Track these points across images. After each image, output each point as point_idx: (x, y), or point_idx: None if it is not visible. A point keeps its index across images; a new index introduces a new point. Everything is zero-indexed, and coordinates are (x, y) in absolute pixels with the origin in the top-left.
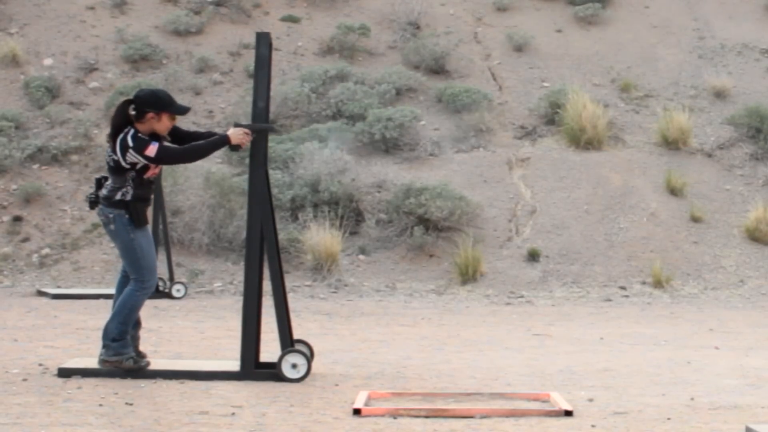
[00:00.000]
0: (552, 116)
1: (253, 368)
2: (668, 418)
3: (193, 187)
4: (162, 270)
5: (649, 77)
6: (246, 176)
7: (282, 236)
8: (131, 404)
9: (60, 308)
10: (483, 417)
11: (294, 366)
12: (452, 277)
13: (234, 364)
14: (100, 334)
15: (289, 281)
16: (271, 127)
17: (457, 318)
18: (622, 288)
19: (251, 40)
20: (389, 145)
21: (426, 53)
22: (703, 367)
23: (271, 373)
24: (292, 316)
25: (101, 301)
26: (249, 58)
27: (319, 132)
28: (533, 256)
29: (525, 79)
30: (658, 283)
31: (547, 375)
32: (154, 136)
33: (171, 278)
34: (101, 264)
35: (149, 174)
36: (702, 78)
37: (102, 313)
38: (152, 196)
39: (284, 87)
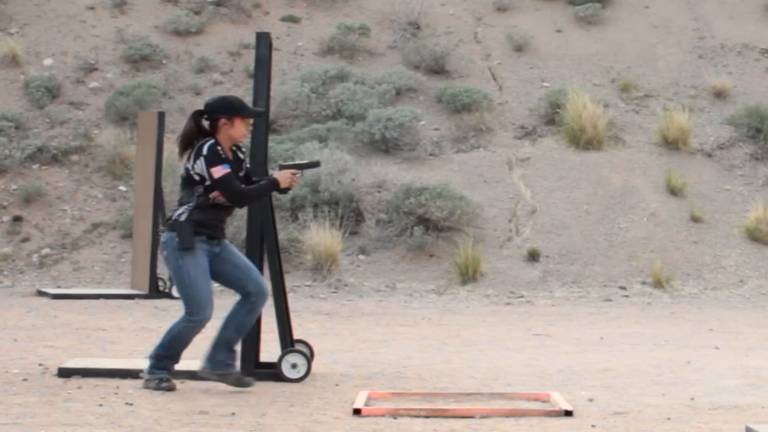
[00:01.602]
0: (552, 116)
1: (253, 368)
2: (668, 418)
3: None
4: (162, 270)
5: (649, 77)
6: None
7: (282, 236)
8: (131, 404)
9: (60, 308)
10: (483, 417)
11: (294, 366)
12: (452, 277)
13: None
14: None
15: (289, 281)
16: (318, 162)
17: (457, 318)
18: (622, 288)
19: (251, 40)
20: (389, 145)
21: (426, 53)
22: (703, 367)
23: (271, 373)
24: (292, 316)
25: (101, 301)
26: (249, 58)
27: (319, 132)
28: (533, 256)
29: (525, 79)
30: (658, 283)
31: (547, 375)
32: (229, 162)
33: (171, 278)
34: (101, 264)
35: (216, 194)
36: (702, 78)
37: (102, 313)
38: (221, 227)
39: (284, 87)
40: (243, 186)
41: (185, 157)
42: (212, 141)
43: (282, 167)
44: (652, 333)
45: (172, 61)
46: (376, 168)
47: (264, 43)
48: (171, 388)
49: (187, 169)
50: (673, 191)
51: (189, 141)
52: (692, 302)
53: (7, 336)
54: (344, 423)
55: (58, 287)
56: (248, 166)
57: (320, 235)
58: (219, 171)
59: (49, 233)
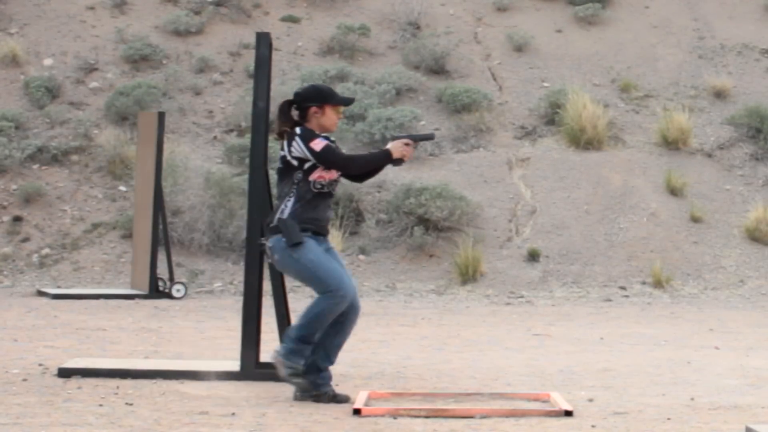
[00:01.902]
0: (552, 116)
1: (253, 368)
2: (668, 418)
3: (193, 187)
4: (162, 270)
5: (649, 77)
6: (246, 176)
7: None
8: (131, 404)
9: (60, 308)
10: (483, 417)
11: None
12: (452, 277)
13: (234, 364)
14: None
15: (289, 281)
16: (432, 135)
17: (457, 318)
18: (622, 288)
19: (251, 40)
20: None
21: (426, 53)
22: (703, 367)
23: (271, 373)
24: (292, 316)
25: (101, 301)
26: (249, 58)
27: None
28: (533, 256)
29: (525, 79)
30: (658, 283)
31: (547, 375)
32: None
33: (171, 278)
34: (101, 264)
35: (316, 176)
36: (702, 78)
37: (102, 313)
38: (325, 220)
39: (284, 87)
40: (348, 154)
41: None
42: (303, 127)
43: (395, 138)
44: (652, 333)
45: (172, 61)
46: None
47: (264, 43)
48: (300, 383)
49: (283, 157)
50: (673, 191)
51: (283, 129)
52: (692, 302)
53: (7, 336)
54: (344, 423)
55: (58, 287)
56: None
57: None
58: (318, 143)
59: (49, 233)
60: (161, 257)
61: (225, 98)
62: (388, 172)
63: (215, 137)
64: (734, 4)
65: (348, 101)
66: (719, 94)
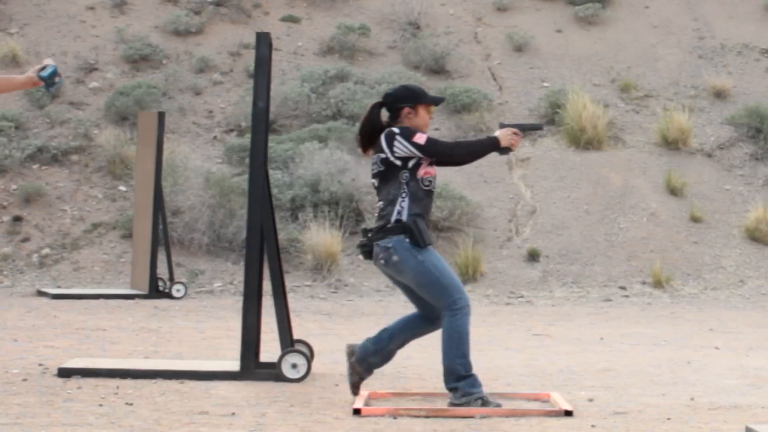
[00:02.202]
0: (552, 116)
1: (253, 368)
2: (668, 418)
3: (193, 187)
4: (162, 270)
5: (649, 77)
6: (246, 176)
7: (282, 236)
8: (131, 404)
9: (60, 308)
10: (483, 417)
11: (294, 366)
12: None
13: (234, 364)
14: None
15: (289, 281)
16: (541, 125)
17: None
18: (622, 288)
19: (251, 40)
20: None
21: (426, 53)
22: (703, 367)
23: (271, 373)
24: (292, 316)
25: (101, 301)
26: (249, 58)
27: (319, 132)
28: (533, 256)
29: (525, 79)
30: (658, 283)
31: (547, 375)
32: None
33: (171, 278)
34: (101, 264)
35: (423, 173)
36: (702, 78)
37: (102, 313)
38: (428, 221)
39: (284, 87)
40: (455, 141)
41: (373, 154)
42: (398, 125)
43: (503, 126)
44: (652, 333)
45: (172, 61)
46: None
47: (264, 43)
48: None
49: (384, 159)
50: (673, 191)
51: (372, 133)
52: (692, 302)
53: (7, 336)
54: (344, 423)
55: (58, 287)
56: None
57: (320, 235)
58: (421, 137)
59: (49, 233)
60: (161, 257)
61: (225, 98)
62: None
63: (215, 137)
64: (734, 4)
65: (439, 100)
66: (719, 94)
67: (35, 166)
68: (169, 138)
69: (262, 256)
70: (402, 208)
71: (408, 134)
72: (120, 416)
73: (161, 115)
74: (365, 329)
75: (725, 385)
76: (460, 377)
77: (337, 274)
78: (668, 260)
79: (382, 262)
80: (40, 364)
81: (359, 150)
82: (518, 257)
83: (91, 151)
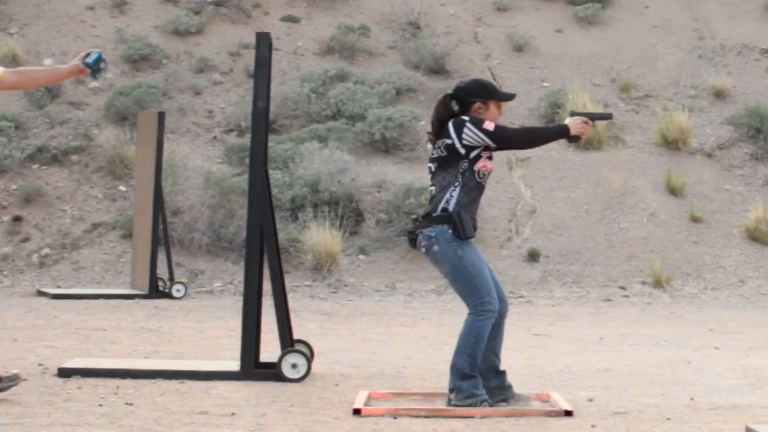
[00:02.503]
0: (552, 116)
1: (253, 368)
2: (668, 418)
3: (193, 187)
4: (162, 270)
5: (649, 77)
6: (246, 176)
7: (282, 236)
8: (131, 404)
9: (60, 308)
10: (483, 417)
11: (294, 366)
12: None
13: (234, 364)
14: (99, 334)
15: (289, 281)
16: (611, 114)
17: (457, 318)
18: (622, 288)
19: (251, 40)
20: (389, 145)
21: (426, 53)
22: (703, 367)
23: (271, 373)
24: (292, 316)
25: (101, 301)
26: (249, 58)
27: (319, 132)
28: (533, 256)
29: (525, 79)
30: (658, 283)
31: (547, 375)
32: None
33: (171, 278)
34: (101, 264)
35: (481, 165)
36: (702, 78)
37: (102, 313)
38: (476, 212)
39: (284, 87)
40: (523, 127)
41: (436, 141)
42: (468, 114)
43: (573, 114)
44: (652, 333)
45: (172, 61)
46: (376, 168)
47: (264, 43)
48: (500, 403)
49: (449, 145)
50: (673, 191)
51: (442, 125)
52: (692, 302)
53: (7, 336)
54: (344, 423)
55: (58, 287)
56: None
57: (320, 235)
58: (489, 124)
59: (49, 233)
60: (161, 257)
61: (225, 98)
62: (388, 172)
63: (215, 137)
64: (734, 4)
65: (510, 97)
66: (719, 94)
67: (35, 166)
68: (169, 138)
69: (262, 256)
70: (451, 197)
71: (477, 122)
72: (120, 416)
73: (161, 115)
74: (365, 329)
75: (725, 385)
76: (464, 376)
77: (337, 274)
78: (668, 260)
79: (423, 249)
80: (40, 364)
81: (427, 140)
82: (518, 257)
83: (91, 151)
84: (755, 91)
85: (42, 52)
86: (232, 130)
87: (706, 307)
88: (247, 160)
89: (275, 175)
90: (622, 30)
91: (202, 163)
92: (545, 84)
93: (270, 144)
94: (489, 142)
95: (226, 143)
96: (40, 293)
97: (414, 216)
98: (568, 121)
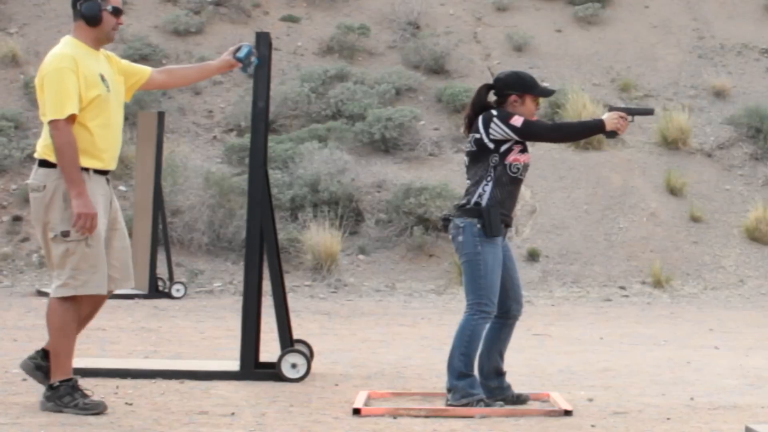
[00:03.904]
0: (552, 116)
1: (253, 368)
2: (668, 418)
3: (193, 187)
4: (161, 270)
5: (649, 77)
6: (246, 176)
7: (281, 236)
8: (131, 404)
9: None
10: (482, 417)
11: (294, 366)
12: (452, 276)
13: (234, 364)
14: (99, 334)
15: (289, 281)
16: (652, 110)
17: (456, 318)
18: (622, 288)
19: (251, 40)
20: (389, 145)
21: (426, 53)
22: (702, 367)
23: (271, 373)
24: (292, 315)
25: None
26: None
27: (319, 132)
28: (533, 256)
29: None
30: (657, 283)
31: (546, 375)
32: None
33: (170, 278)
34: None
35: (512, 159)
36: (702, 78)
37: (101, 313)
38: (512, 210)
39: (284, 87)
40: (556, 122)
41: (469, 133)
42: (498, 108)
43: (612, 109)
44: (652, 333)
45: (171, 61)
46: (376, 168)
47: (264, 43)
48: (495, 405)
49: (478, 140)
50: (673, 191)
51: (476, 115)
52: (692, 302)
53: (7, 336)
54: (344, 423)
55: None
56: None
57: (320, 235)
58: (517, 119)
59: None
60: (161, 257)
61: (225, 98)
62: (388, 172)
63: (215, 137)
64: (734, 3)
65: (549, 93)
66: (719, 94)
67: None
68: (169, 138)
69: (262, 256)
70: (484, 191)
71: (505, 117)
72: (120, 416)
73: (161, 115)
74: (365, 329)
75: (725, 384)
76: (460, 375)
77: (337, 274)
78: (668, 260)
79: (451, 236)
80: None
81: (462, 130)
82: (518, 257)
83: None
84: (755, 91)
85: (42, 52)
86: (231, 130)
87: (706, 307)
88: (247, 160)
89: (275, 175)
90: (621, 30)
91: (201, 163)
92: (545, 84)
93: (270, 144)
94: (515, 137)
95: (225, 143)
96: (40, 293)
97: (456, 203)
98: (605, 116)
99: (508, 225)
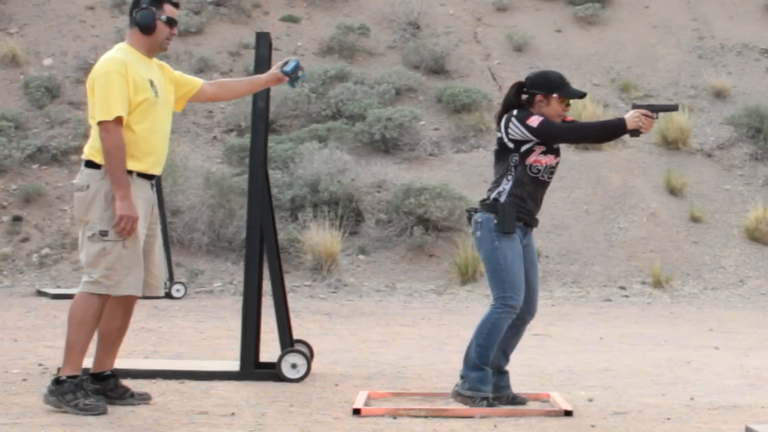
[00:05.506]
0: None
1: (253, 368)
2: (668, 418)
3: (193, 187)
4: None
5: (649, 77)
6: (246, 176)
7: (282, 236)
8: (131, 404)
9: (60, 308)
10: (483, 417)
11: (294, 366)
12: (452, 277)
13: (234, 364)
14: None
15: (289, 281)
16: (675, 106)
17: (456, 318)
18: (622, 288)
19: (251, 40)
20: (389, 145)
21: (426, 53)
22: (702, 367)
23: (271, 373)
24: (292, 316)
25: None
26: (249, 58)
27: (319, 132)
28: None
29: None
30: (657, 283)
31: (546, 375)
32: None
33: (171, 278)
34: None
35: (533, 160)
36: (702, 78)
37: None
38: (536, 211)
39: (284, 87)
40: (575, 123)
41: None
42: (521, 108)
43: (635, 107)
44: (652, 333)
45: (172, 61)
46: (376, 168)
47: (264, 43)
48: (523, 402)
49: (499, 139)
50: (673, 191)
51: (508, 110)
52: (692, 302)
53: (7, 336)
54: (344, 423)
55: (58, 287)
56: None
57: (320, 235)
58: (535, 120)
59: (48, 233)
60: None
61: None
62: (388, 172)
63: (215, 137)
64: (734, 4)
65: (577, 95)
66: (719, 94)
67: (35, 166)
68: (169, 138)
69: (262, 256)
70: (503, 189)
71: (523, 117)
72: (120, 416)
73: None
74: (365, 329)
75: (725, 385)
76: (474, 366)
77: (337, 274)
78: (668, 260)
79: (471, 231)
80: (40, 364)
81: (494, 128)
82: None
83: None
84: (755, 91)
85: (42, 52)
86: (231, 130)
87: (705, 307)
88: (247, 160)
89: (275, 175)
90: (621, 30)
91: (202, 163)
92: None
93: (270, 144)
94: (531, 137)
95: (226, 143)
96: (40, 293)
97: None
98: (627, 114)
99: (529, 225)
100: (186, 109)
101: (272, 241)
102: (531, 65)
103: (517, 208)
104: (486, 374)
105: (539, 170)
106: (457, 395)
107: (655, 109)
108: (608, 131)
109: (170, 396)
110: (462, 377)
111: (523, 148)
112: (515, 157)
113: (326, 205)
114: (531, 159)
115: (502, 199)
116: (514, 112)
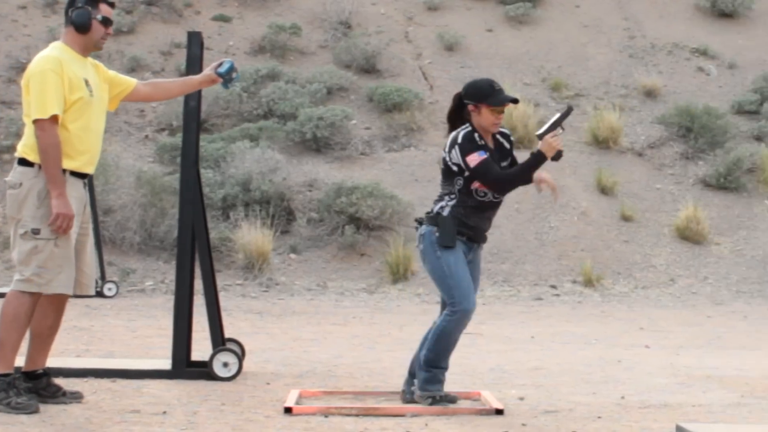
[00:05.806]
0: None
1: (185, 367)
2: (599, 417)
3: (125, 186)
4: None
5: (580, 76)
6: (177, 175)
7: (213, 235)
8: (63, 403)
9: None
10: (414, 416)
11: (225, 365)
12: (383, 275)
13: (165, 363)
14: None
15: (221, 280)
16: (569, 109)
17: (388, 317)
18: (553, 287)
19: (183, 39)
20: (320, 144)
21: (357, 52)
22: (633, 366)
23: (203, 371)
24: (224, 314)
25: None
26: (181, 58)
27: (251, 131)
28: None
29: (456, 79)
30: (588, 282)
31: (477, 373)
32: (487, 149)
33: (102, 277)
34: None
35: (477, 185)
36: (632, 77)
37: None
38: (483, 228)
39: (215, 86)
40: (501, 171)
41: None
42: (468, 128)
43: (540, 136)
44: (583, 332)
45: (103, 60)
46: (308, 167)
47: (195, 43)
48: (453, 401)
49: (444, 160)
50: (604, 190)
51: (452, 124)
52: (623, 301)
53: None
54: (275, 421)
55: None
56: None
57: (251, 234)
58: (474, 159)
59: None
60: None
61: None
62: (320, 171)
63: (147, 136)
64: (665, 3)
65: (506, 101)
66: (649, 94)
67: None
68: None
69: (194, 255)
70: (447, 205)
71: (465, 150)
72: (52, 415)
73: None
74: (296, 328)
75: (655, 383)
76: (420, 367)
77: (269, 273)
78: (599, 259)
79: (416, 244)
80: None
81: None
82: None
83: None
84: (685, 91)
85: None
86: (163, 129)
87: (636, 305)
88: (179, 159)
89: (207, 174)
90: (552, 29)
91: (133, 162)
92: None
93: (201, 143)
94: (467, 173)
95: (157, 142)
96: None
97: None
98: (540, 146)
99: (474, 240)
100: (118, 108)
101: (204, 240)
102: (462, 64)
103: (459, 223)
104: (433, 375)
105: (485, 193)
106: (404, 395)
107: (557, 125)
108: (534, 168)
109: (102, 394)
110: (418, 372)
111: (467, 173)
112: (459, 181)
113: (258, 204)
114: (476, 184)
115: (445, 213)
116: (459, 139)
